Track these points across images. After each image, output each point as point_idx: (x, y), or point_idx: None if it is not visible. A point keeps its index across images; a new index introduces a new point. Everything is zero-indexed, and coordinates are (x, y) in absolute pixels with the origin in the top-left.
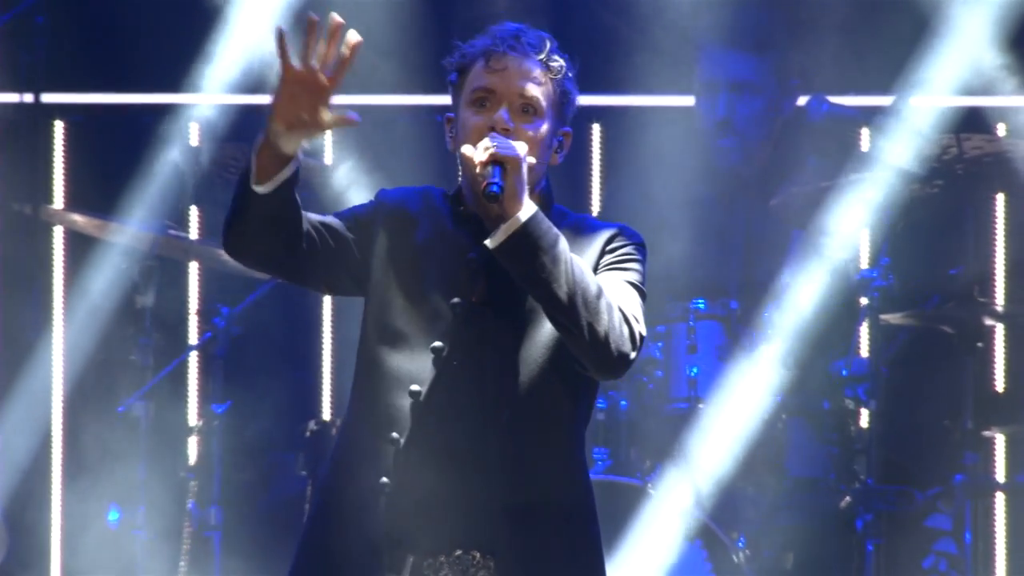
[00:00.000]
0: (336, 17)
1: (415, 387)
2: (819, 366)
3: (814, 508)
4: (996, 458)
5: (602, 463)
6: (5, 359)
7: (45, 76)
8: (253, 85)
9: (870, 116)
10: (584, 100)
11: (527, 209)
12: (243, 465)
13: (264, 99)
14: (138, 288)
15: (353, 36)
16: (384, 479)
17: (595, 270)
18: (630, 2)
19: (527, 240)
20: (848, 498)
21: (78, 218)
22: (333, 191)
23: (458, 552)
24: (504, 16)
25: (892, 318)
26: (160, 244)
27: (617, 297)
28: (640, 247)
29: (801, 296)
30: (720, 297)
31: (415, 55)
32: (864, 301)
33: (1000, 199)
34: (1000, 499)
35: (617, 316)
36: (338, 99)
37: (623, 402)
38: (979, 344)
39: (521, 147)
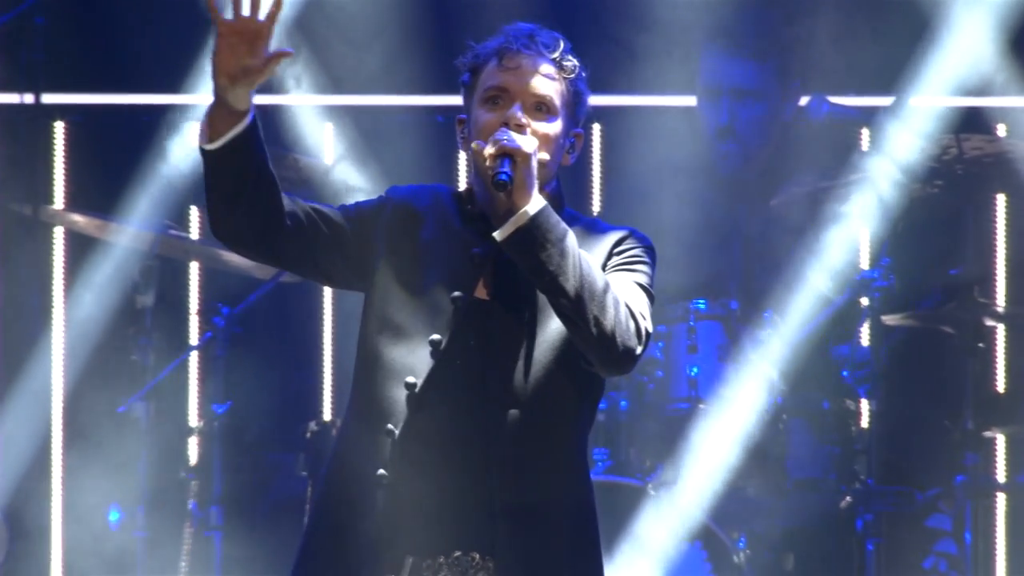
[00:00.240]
0: None
1: (411, 379)
2: (819, 366)
3: (814, 508)
4: (996, 458)
5: (602, 463)
6: (5, 359)
7: (45, 76)
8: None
9: (870, 116)
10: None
11: (536, 202)
12: (243, 465)
13: (263, 99)
14: (138, 288)
15: None
16: (382, 471)
17: (603, 270)
18: (630, 3)
19: (535, 232)
20: (848, 498)
21: (78, 218)
22: (333, 190)
23: (457, 553)
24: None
25: (893, 318)
26: (160, 244)
27: (624, 294)
28: (649, 250)
29: (801, 296)
30: (720, 297)
31: (416, 55)
32: (865, 301)
33: (1000, 199)
34: (1000, 499)
35: (624, 312)
36: (339, 100)
37: (623, 402)
38: (980, 344)
39: (531, 141)
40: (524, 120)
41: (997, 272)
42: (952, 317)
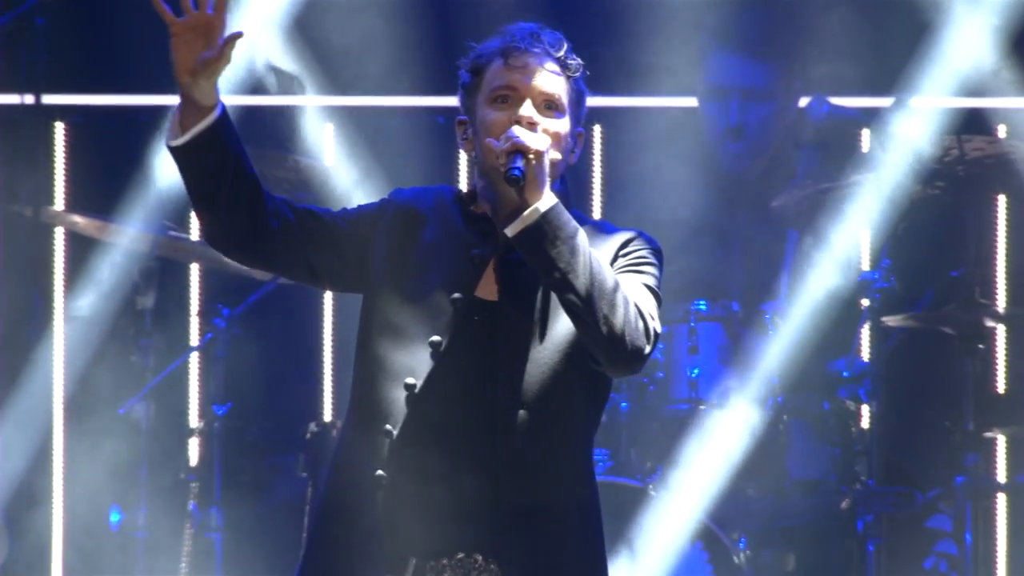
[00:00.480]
0: None
1: (410, 380)
2: (818, 367)
3: (815, 509)
4: (997, 459)
5: (602, 464)
6: (6, 360)
7: (45, 77)
8: (253, 85)
9: (870, 117)
10: (589, 101)
11: (548, 199)
12: (244, 466)
13: (264, 100)
14: (139, 289)
15: None
16: (380, 472)
17: None
18: (630, 3)
19: (547, 229)
20: (849, 499)
21: (79, 219)
22: (333, 191)
23: (460, 555)
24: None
25: (893, 320)
26: (161, 245)
27: (632, 294)
28: (656, 252)
29: (801, 297)
30: (721, 298)
31: (416, 56)
32: (865, 303)
33: (1001, 200)
34: (1001, 500)
35: (633, 311)
36: (340, 101)
37: (624, 403)
38: (980, 345)
39: (544, 139)
40: (536, 118)
41: (998, 273)
42: (952, 318)
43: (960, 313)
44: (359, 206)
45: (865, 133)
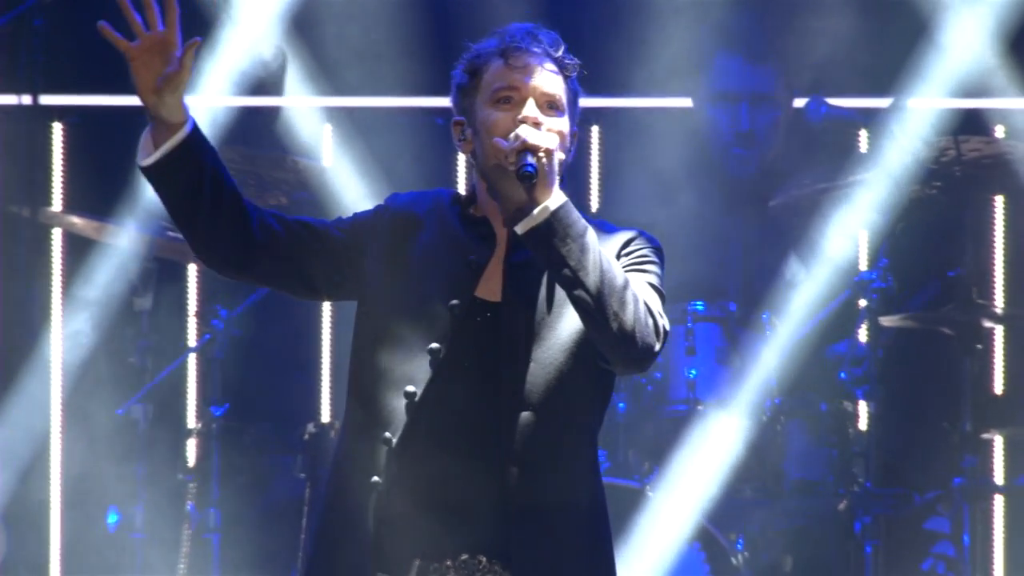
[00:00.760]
0: None
1: (410, 388)
2: (816, 368)
3: (813, 511)
4: (995, 461)
5: (600, 465)
6: (5, 360)
7: (43, 78)
8: (251, 87)
9: (869, 118)
10: (583, 102)
11: (557, 197)
12: (242, 467)
13: (264, 101)
14: (137, 290)
15: None
16: (376, 478)
17: None
18: (629, 4)
19: (557, 226)
20: (846, 501)
21: (77, 220)
22: (332, 193)
23: (464, 556)
24: (504, 18)
25: (891, 320)
26: (158, 246)
27: (640, 291)
28: (658, 251)
29: (799, 298)
30: (719, 299)
31: (415, 56)
32: (863, 303)
33: (999, 201)
34: (999, 502)
35: (643, 308)
36: (338, 102)
37: (621, 404)
38: (978, 346)
39: (552, 138)
40: (540, 118)
41: (996, 274)
42: (950, 318)
43: (958, 314)
44: (354, 214)
45: (863, 134)
